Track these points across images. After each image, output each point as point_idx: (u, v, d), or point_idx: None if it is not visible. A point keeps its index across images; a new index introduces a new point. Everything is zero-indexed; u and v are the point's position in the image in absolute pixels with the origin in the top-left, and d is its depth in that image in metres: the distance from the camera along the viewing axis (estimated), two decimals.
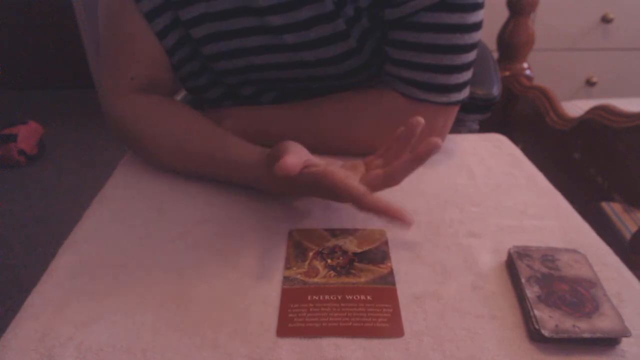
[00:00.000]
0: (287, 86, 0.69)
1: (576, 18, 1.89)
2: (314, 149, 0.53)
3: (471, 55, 0.59)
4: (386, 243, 0.50)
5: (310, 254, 0.48)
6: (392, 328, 0.40)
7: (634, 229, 0.90)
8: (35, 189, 2.13)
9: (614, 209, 0.99)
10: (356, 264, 0.46)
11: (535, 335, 0.38)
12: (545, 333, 0.37)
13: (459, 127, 0.89)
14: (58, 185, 2.16)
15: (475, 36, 0.58)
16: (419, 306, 0.42)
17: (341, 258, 0.47)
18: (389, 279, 0.45)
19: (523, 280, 0.42)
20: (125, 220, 0.54)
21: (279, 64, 0.63)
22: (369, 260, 0.47)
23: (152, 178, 0.62)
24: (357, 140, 0.63)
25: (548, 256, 0.45)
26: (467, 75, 0.60)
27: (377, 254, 0.48)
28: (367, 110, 0.63)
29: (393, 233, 0.51)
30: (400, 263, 0.47)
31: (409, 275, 0.46)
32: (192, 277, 0.46)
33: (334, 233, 0.51)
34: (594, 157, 1.05)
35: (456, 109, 0.63)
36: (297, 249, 0.48)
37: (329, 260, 0.47)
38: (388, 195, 0.57)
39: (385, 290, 0.44)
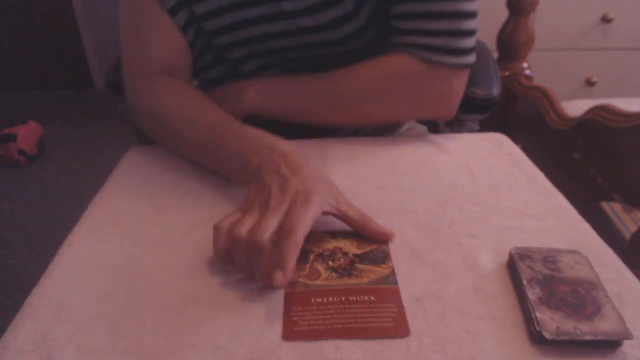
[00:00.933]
0: (288, 59, 0.71)
1: (576, 18, 1.89)
2: (337, 119, 0.66)
3: (475, 23, 0.63)
4: (386, 243, 0.49)
5: (311, 256, 0.47)
6: (398, 328, 0.40)
7: (634, 229, 0.90)
8: (35, 189, 2.13)
9: (614, 209, 0.99)
10: (357, 265, 0.46)
11: (536, 338, 0.38)
12: (547, 335, 0.37)
13: (459, 128, 0.89)
14: (58, 185, 2.16)
15: (476, 5, 0.62)
16: (419, 307, 0.42)
17: (342, 260, 0.47)
18: (391, 279, 0.45)
19: (524, 282, 0.42)
20: (125, 220, 0.54)
21: (278, 33, 0.66)
22: (370, 262, 0.47)
23: (152, 178, 0.62)
24: (379, 108, 0.67)
25: (549, 258, 0.45)
26: (474, 41, 0.64)
27: (378, 255, 0.48)
28: (388, 77, 0.65)
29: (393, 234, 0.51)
30: (400, 264, 0.47)
31: (409, 276, 0.46)
32: (193, 278, 0.46)
33: (334, 235, 0.50)
34: (594, 157, 1.05)
35: (467, 72, 0.67)
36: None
37: (330, 263, 0.47)
38: (387, 197, 0.57)
39: (388, 291, 0.43)
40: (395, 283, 0.44)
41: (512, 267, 0.45)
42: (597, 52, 1.96)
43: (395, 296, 0.43)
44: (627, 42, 1.94)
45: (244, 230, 0.44)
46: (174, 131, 0.62)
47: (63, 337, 0.40)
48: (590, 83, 2.00)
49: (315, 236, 0.50)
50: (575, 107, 1.24)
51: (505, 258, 0.47)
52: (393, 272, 0.46)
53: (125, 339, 0.40)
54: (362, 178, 0.61)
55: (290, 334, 0.40)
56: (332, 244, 0.49)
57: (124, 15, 0.68)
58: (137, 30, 0.68)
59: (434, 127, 0.98)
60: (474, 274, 0.46)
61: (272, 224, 0.44)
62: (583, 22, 1.90)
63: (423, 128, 0.92)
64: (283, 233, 0.43)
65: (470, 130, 0.88)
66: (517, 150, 0.69)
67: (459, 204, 0.56)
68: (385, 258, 0.47)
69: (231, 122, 0.59)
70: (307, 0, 0.62)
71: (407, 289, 0.44)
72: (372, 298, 0.43)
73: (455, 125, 0.89)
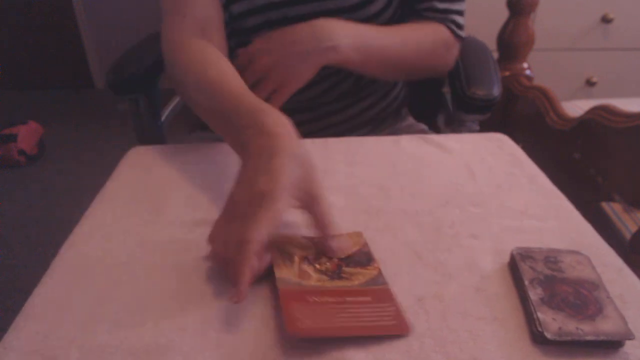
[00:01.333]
0: None
1: (576, 18, 1.89)
2: (396, 75, 0.80)
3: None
4: (366, 245, 0.49)
5: (296, 258, 0.47)
6: (400, 325, 0.40)
7: (634, 228, 0.90)
8: (35, 189, 2.13)
9: (614, 209, 0.99)
10: (344, 268, 0.46)
11: (538, 338, 0.38)
12: (549, 335, 0.37)
13: (459, 127, 0.89)
14: (58, 185, 2.16)
15: None
16: (420, 307, 0.42)
17: (328, 263, 0.47)
18: (380, 280, 0.45)
19: (526, 282, 0.42)
20: (126, 220, 0.54)
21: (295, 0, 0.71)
22: (356, 264, 0.47)
23: (152, 178, 0.62)
24: (424, 66, 0.80)
25: (551, 258, 0.45)
26: None
27: (362, 257, 0.48)
28: (435, 42, 0.78)
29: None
30: (401, 264, 0.47)
31: (411, 277, 0.46)
32: (193, 277, 0.46)
33: (314, 240, 0.50)
34: (594, 157, 1.05)
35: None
36: (282, 253, 0.48)
37: (317, 266, 0.47)
38: (388, 197, 0.57)
39: (380, 291, 0.44)
40: (385, 283, 0.44)
41: (514, 267, 0.45)
42: (597, 52, 1.96)
43: (388, 296, 0.43)
44: (627, 42, 1.94)
45: (217, 246, 0.45)
46: (194, 100, 0.63)
47: (65, 337, 0.40)
48: (590, 83, 2.00)
49: (295, 241, 0.50)
50: (575, 107, 1.24)
51: (506, 258, 0.47)
52: (380, 273, 0.46)
53: (127, 339, 0.40)
54: (363, 178, 0.61)
55: (294, 329, 0.39)
56: (313, 249, 0.49)
57: None
58: None
59: (434, 126, 0.98)
60: (475, 275, 0.46)
61: (234, 237, 0.42)
62: (583, 22, 1.90)
63: (423, 126, 0.92)
64: (237, 244, 0.41)
65: (470, 130, 0.88)
66: (517, 150, 0.69)
67: (459, 204, 0.56)
68: (369, 260, 0.47)
69: (241, 92, 0.57)
70: None
71: (408, 290, 0.44)
72: (368, 298, 0.43)
73: (455, 125, 0.89)
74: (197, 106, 0.63)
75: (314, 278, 0.45)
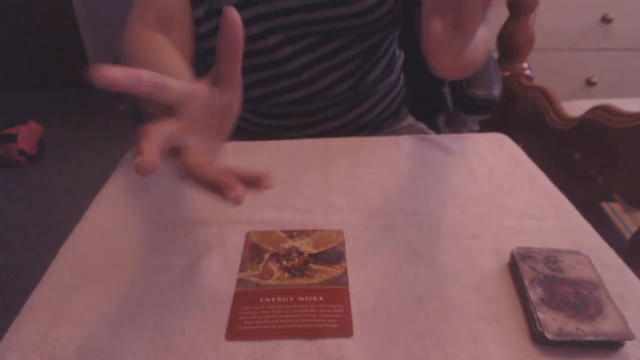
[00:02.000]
0: (304, 34, 0.71)
1: (576, 18, 1.89)
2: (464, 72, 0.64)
3: None
4: (343, 244, 0.50)
5: (266, 255, 0.48)
6: (342, 328, 0.40)
7: (634, 229, 0.90)
8: (35, 189, 2.13)
9: (614, 209, 0.99)
10: (311, 265, 0.47)
11: (538, 338, 0.38)
12: (549, 336, 0.37)
13: (459, 128, 0.89)
14: (58, 185, 2.16)
15: None
16: (421, 308, 0.42)
17: (296, 260, 0.47)
18: (342, 279, 0.45)
19: (526, 282, 0.42)
20: (125, 220, 0.54)
21: (301, 7, 0.68)
22: (324, 261, 0.47)
23: (152, 178, 0.62)
24: (481, 62, 0.70)
25: (551, 258, 0.45)
26: None
27: (333, 255, 0.48)
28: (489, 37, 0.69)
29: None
30: (401, 264, 0.47)
31: (411, 277, 0.45)
32: (193, 277, 0.46)
33: (292, 235, 0.51)
34: (594, 157, 1.05)
35: None
36: (253, 251, 0.48)
37: (284, 262, 0.47)
38: (388, 197, 0.57)
39: (337, 291, 0.44)
40: (346, 284, 0.45)
41: (514, 267, 0.45)
42: (597, 52, 1.96)
43: (343, 297, 0.43)
44: (627, 42, 1.93)
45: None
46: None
47: (64, 337, 0.40)
48: (590, 83, 2.00)
49: (271, 235, 0.50)
50: (575, 107, 1.24)
51: (506, 258, 0.47)
52: (345, 273, 0.46)
53: (126, 339, 0.39)
54: (363, 178, 0.61)
55: (234, 333, 0.40)
56: (288, 244, 0.49)
57: None
58: None
59: (434, 126, 0.98)
60: (476, 275, 0.46)
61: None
62: (583, 22, 1.90)
63: (423, 126, 0.92)
64: None
65: (471, 130, 0.88)
66: (518, 150, 0.69)
67: (460, 204, 0.56)
68: (340, 258, 0.48)
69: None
70: None
71: (408, 290, 0.44)
72: (320, 298, 0.43)
73: (455, 125, 0.89)
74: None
75: (274, 276, 0.45)
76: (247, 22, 0.69)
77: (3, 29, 2.98)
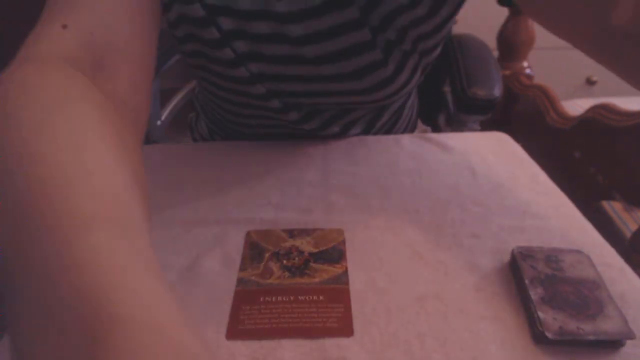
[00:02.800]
0: (305, 104, 0.63)
1: None
2: None
3: None
4: (343, 242, 0.50)
5: (267, 255, 0.48)
6: (342, 328, 0.40)
7: (634, 227, 0.90)
8: None
9: (614, 208, 0.99)
10: (311, 264, 0.47)
11: (539, 337, 0.38)
12: (549, 335, 0.37)
13: (460, 128, 0.89)
14: None
15: None
16: (421, 307, 0.42)
17: (297, 259, 0.47)
18: (342, 278, 0.45)
19: (527, 282, 0.42)
20: None
21: (295, 76, 0.58)
22: (325, 260, 0.47)
23: (152, 178, 0.62)
24: None
25: (552, 257, 0.45)
26: None
27: (333, 254, 0.48)
28: None
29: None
30: (401, 264, 0.47)
31: (411, 276, 0.45)
32: (192, 277, 0.46)
33: (292, 234, 0.51)
34: (594, 155, 1.05)
35: None
36: (253, 250, 0.49)
37: (285, 261, 0.47)
38: (388, 196, 0.57)
39: (337, 290, 0.44)
40: (346, 283, 0.44)
41: (514, 266, 0.45)
42: None
43: (344, 296, 0.43)
44: None
45: None
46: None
47: None
48: (590, 82, 2.00)
49: (272, 234, 0.50)
50: (576, 106, 1.24)
51: (507, 257, 0.47)
52: (345, 272, 0.46)
53: None
54: (363, 177, 0.61)
55: (234, 332, 0.40)
56: (289, 242, 0.49)
57: None
58: None
59: (435, 125, 0.98)
60: (476, 274, 0.46)
61: None
62: None
63: (423, 125, 0.92)
64: None
65: (471, 130, 0.88)
66: (518, 149, 0.68)
67: (460, 203, 0.56)
68: (341, 257, 0.47)
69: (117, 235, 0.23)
70: (331, 45, 0.53)
71: (409, 289, 0.44)
72: (321, 297, 0.43)
73: (456, 126, 0.89)
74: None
75: (275, 275, 0.45)
76: (248, 81, 0.57)
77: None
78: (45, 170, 0.25)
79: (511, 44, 1.36)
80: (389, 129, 0.74)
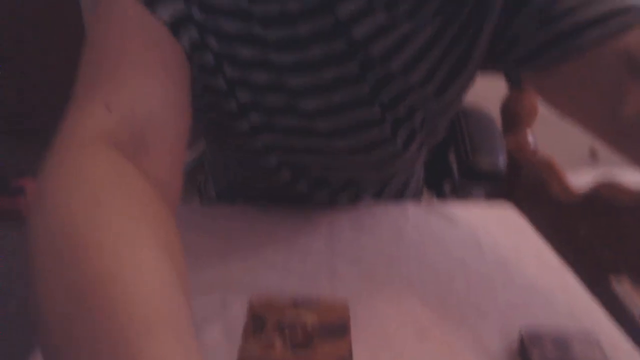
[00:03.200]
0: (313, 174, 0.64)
1: None
2: None
3: None
4: (347, 317, 0.48)
5: (269, 325, 0.46)
6: None
7: None
8: None
9: (622, 286, 0.97)
10: (315, 339, 0.45)
11: None
12: None
13: (464, 196, 0.89)
14: None
15: None
16: None
17: (300, 334, 0.46)
18: (346, 357, 0.43)
19: None
20: None
21: (308, 148, 0.58)
22: (329, 334, 0.46)
23: None
24: None
25: (560, 340, 0.43)
26: None
27: (337, 329, 0.46)
28: None
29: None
30: (406, 343, 0.46)
31: (415, 356, 0.44)
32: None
33: (295, 302, 0.49)
34: (600, 233, 1.05)
35: None
36: (256, 320, 0.47)
37: (288, 336, 0.46)
38: (393, 268, 0.57)
39: None
40: None
41: (523, 351, 0.43)
42: None
43: None
44: None
45: None
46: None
47: None
48: (594, 154, 2.02)
49: (275, 303, 0.49)
50: (580, 179, 1.24)
51: (514, 336, 0.46)
52: (349, 349, 0.44)
53: None
54: (368, 247, 0.61)
55: None
56: (292, 313, 0.48)
57: (91, 33, 0.42)
58: (101, 55, 0.40)
59: (440, 192, 0.98)
60: (482, 356, 0.44)
61: None
62: None
63: (428, 193, 0.92)
64: None
65: (476, 198, 0.88)
66: (523, 222, 0.69)
67: (465, 277, 0.55)
68: (344, 331, 0.46)
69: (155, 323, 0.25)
70: (339, 120, 0.55)
71: None
72: None
73: (460, 194, 0.89)
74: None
75: (277, 350, 0.44)
76: (261, 152, 0.59)
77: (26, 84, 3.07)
78: (102, 264, 0.26)
79: (514, 115, 1.38)
80: (396, 198, 0.75)
